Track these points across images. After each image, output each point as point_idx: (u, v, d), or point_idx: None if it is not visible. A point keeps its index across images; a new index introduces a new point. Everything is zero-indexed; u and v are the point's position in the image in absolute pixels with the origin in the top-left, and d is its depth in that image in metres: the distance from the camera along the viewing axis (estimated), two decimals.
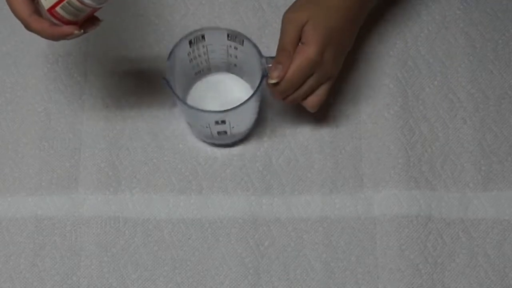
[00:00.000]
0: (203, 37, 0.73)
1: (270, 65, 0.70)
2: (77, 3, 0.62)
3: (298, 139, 0.79)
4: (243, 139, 0.79)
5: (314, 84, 0.71)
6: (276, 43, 0.71)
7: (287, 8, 0.72)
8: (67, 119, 0.80)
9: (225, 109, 0.70)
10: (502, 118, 0.81)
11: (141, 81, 0.81)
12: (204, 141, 0.79)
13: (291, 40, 0.70)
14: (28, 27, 0.64)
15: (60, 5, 0.62)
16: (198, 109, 0.71)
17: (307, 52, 0.69)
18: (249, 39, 0.71)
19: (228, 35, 0.72)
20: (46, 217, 0.76)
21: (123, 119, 0.80)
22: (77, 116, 0.80)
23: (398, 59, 0.83)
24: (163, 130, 0.80)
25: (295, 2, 0.72)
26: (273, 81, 0.69)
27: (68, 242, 0.75)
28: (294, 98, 0.72)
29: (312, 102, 0.73)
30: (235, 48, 0.74)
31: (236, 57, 0.75)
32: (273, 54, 0.71)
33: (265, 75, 0.70)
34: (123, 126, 0.80)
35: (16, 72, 0.82)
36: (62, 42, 0.82)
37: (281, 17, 0.72)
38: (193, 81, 0.79)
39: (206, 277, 0.74)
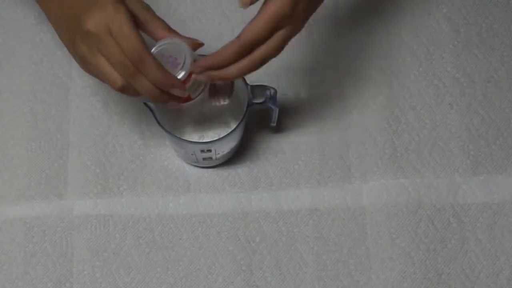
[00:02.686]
0: None
1: (256, 93, 0.70)
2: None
3: (284, 131, 0.79)
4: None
5: (281, 41, 0.63)
6: None
7: None
8: (53, 119, 0.80)
9: (210, 138, 0.71)
10: (488, 101, 0.81)
11: None
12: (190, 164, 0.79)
13: None
14: (141, 64, 0.60)
15: (190, 81, 0.64)
16: (183, 140, 0.71)
17: (278, 3, 0.61)
18: None
19: None
20: (35, 224, 0.76)
21: (109, 117, 0.80)
22: (63, 116, 0.80)
23: (381, 49, 0.82)
24: (149, 127, 0.80)
25: None
26: (241, 6, 0.63)
27: (59, 248, 0.75)
28: (263, 56, 0.63)
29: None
30: None
31: None
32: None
33: (250, 104, 0.70)
34: (109, 124, 0.80)
35: (1, 73, 0.82)
36: (47, 41, 0.82)
37: None
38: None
39: (199, 276, 0.75)
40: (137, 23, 0.62)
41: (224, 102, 0.71)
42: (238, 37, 0.62)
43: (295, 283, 0.74)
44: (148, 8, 0.63)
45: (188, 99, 0.66)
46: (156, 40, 0.64)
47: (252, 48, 0.62)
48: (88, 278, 0.74)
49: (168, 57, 0.64)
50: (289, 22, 0.62)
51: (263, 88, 0.71)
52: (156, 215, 0.77)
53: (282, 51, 0.63)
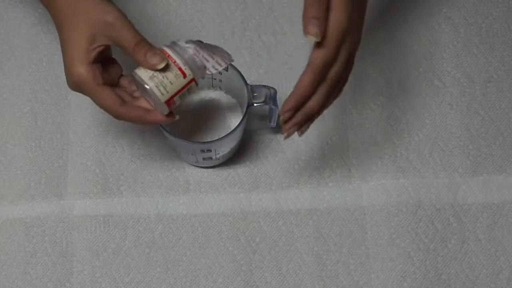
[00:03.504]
0: None
1: (256, 93, 0.69)
2: (194, 86, 0.63)
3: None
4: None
5: (349, 55, 0.62)
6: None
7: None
8: (53, 119, 0.80)
9: (210, 138, 0.71)
10: (488, 101, 0.81)
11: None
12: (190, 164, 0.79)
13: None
14: (120, 117, 0.64)
15: (180, 94, 0.63)
16: (183, 140, 0.71)
17: (338, 18, 0.60)
18: (234, 67, 0.71)
19: None
20: (35, 224, 0.76)
21: (109, 117, 0.80)
22: (63, 116, 0.80)
23: (381, 49, 0.82)
24: (149, 127, 0.80)
25: None
26: (314, 39, 0.59)
27: (59, 248, 0.75)
28: (337, 76, 0.61)
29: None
30: (220, 73, 0.73)
31: (220, 80, 0.75)
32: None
33: (250, 105, 0.70)
34: (109, 124, 0.80)
35: (1, 73, 0.82)
36: (47, 42, 0.82)
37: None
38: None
39: (199, 276, 0.75)
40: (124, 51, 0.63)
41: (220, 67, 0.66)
42: (308, 64, 0.61)
43: (295, 283, 0.74)
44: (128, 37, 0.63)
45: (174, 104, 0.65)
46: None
47: (325, 71, 0.61)
48: (88, 278, 0.74)
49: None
50: (349, 34, 0.61)
51: (263, 88, 0.71)
52: (156, 215, 0.77)
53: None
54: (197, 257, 0.75)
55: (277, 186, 0.78)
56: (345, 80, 0.64)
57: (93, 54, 0.62)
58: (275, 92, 0.71)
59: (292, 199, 0.77)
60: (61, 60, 0.82)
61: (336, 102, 0.80)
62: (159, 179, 0.78)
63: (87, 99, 0.81)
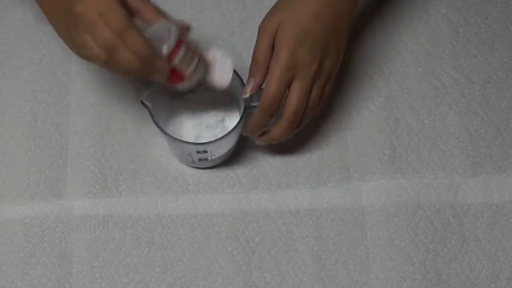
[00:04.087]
0: None
1: (253, 96, 0.70)
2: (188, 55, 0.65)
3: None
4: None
5: (301, 91, 0.68)
6: None
7: (269, 2, 0.72)
8: (53, 119, 0.80)
9: (207, 140, 0.71)
10: (487, 102, 0.81)
11: (126, 79, 0.81)
12: (187, 165, 0.79)
13: (262, 51, 0.69)
14: (146, 58, 0.62)
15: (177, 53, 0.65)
16: (179, 140, 0.71)
17: (278, 56, 0.67)
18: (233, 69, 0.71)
19: None
20: (34, 224, 0.76)
21: (109, 117, 0.80)
22: (63, 116, 0.81)
23: (380, 49, 0.83)
24: (149, 127, 0.79)
25: (270, 10, 0.71)
26: (246, 96, 0.69)
27: (58, 248, 0.75)
28: (295, 113, 0.69)
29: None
30: None
31: None
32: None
33: (248, 107, 0.70)
34: (109, 124, 0.80)
35: (1, 73, 0.82)
36: (46, 41, 0.82)
37: (263, 11, 0.71)
38: (175, 101, 0.77)
39: (198, 276, 0.75)
40: (129, 9, 0.63)
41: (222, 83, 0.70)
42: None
43: (294, 283, 0.74)
44: None
45: (181, 78, 0.66)
46: (148, 24, 0.65)
47: (275, 107, 0.69)
48: (87, 278, 0.74)
49: (157, 40, 0.64)
50: (295, 73, 0.68)
51: (260, 90, 0.70)
52: (155, 215, 0.76)
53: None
54: (196, 257, 0.75)
55: (276, 186, 0.78)
56: (315, 106, 0.71)
57: None
58: None
59: (291, 199, 0.77)
60: (61, 60, 0.83)
61: (335, 102, 0.81)
62: (158, 180, 0.78)
63: (87, 99, 0.81)
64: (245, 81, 0.71)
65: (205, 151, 0.72)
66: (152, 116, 0.69)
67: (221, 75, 0.69)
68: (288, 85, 0.68)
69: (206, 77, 0.69)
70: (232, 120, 0.76)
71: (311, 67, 0.68)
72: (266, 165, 0.78)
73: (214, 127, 0.75)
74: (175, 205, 0.77)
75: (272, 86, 0.68)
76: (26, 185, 0.78)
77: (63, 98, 0.81)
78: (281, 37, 0.67)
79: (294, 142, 0.79)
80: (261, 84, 0.69)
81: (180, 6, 0.85)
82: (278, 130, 0.71)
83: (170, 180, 0.78)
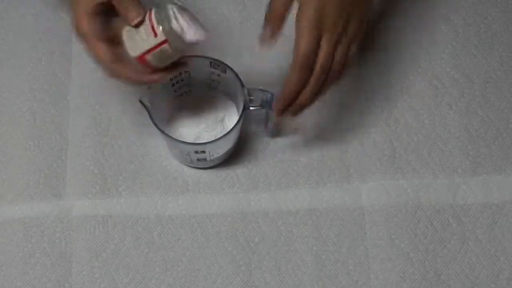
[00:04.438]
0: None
1: (252, 97, 0.69)
2: (170, 51, 0.62)
3: (283, 132, 0.79)
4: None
5: (328, 44, 0.65)
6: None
7: (268, 1, 0.71)
8: (52, 119, 0.80)
9: (206, 140, 0.71)
10: (487, 102, 0.81)
11: None
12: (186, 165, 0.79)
13: (281, 1, 0.65)
14: (111, 73, 0.65)
15: (152, 53, 0.63)
16: (177, 140, 0.71)
17: (304, 12, 0.64)
18: (231, 69, 0.71)
19: (210, 63, 0.72)
20: (34, 224, 0.76)
21: (108, 118, 0.80)
22: (62, 116, 0.81)
23: (380, 49, 0.82)
24: (148, 128, 0.79)
25: None
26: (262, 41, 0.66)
27: (58, 248, 0.75)
28: (322, 68, 0.65)
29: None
30: (218, 75, 0.73)
31: (218, 82, 0.75)
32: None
33: (247, 107, 0.70)
34: (108, 125, 0.80)
35: (0, 73, 0.82)
36: (46, 41, 0.82)
37: (263, 11, 0.70)
38: (175, 101, 0.77)
39: (198, 276, 0.75)
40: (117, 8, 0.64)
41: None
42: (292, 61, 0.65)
43: (294, 283, 0.74)
44: None
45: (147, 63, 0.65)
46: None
47: (309, 64, 0.64)
48: (87, 279, 0.74)
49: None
50: (322, 30, 0.64)
51: (259, 92, 0.70)
52: (155, 216, 0.76)
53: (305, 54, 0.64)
54: (196, 257, 0.75)
55: (276, 186, 0.78)
56: (339, 70, 0.66)
57: (95, 4, 0.63)
58: (272, 96, 0.70)
59: (291, 199, 0.77)
60: (60, 60, 0.83)
61: (335, 102, 0.80)
62: (158, 180, 0.78)
63: (86, 99, 0.81)
64: (245, 81, 0.71)
65: (203, 151, 0.72)
66: (150, 116, 0.69)
67: (194, 31, 0.64)
68: (318, 42, 0.65)
69: (183, 42, 0.64)
70: (231, 120, 0.76)
71: (337, 25, 0.65)
72: (265, 165, 0.78)
73: (214, 127, 0.75)
74: (175, 205, 0.77)
75: (303, 41, 0.64)
76: (25, 185, 0.78)
77: (62, 97, 0.81)
78: (297, 24, 0.65)
79: (294, 142, 0.79)
80: (276, 33, 0.66)
81: None
82: (305, 94, 0.67)
83: (170, 180, 0.78)
